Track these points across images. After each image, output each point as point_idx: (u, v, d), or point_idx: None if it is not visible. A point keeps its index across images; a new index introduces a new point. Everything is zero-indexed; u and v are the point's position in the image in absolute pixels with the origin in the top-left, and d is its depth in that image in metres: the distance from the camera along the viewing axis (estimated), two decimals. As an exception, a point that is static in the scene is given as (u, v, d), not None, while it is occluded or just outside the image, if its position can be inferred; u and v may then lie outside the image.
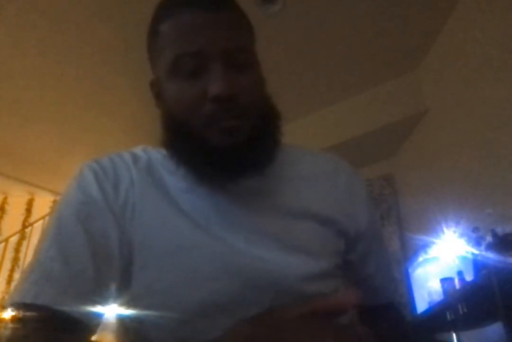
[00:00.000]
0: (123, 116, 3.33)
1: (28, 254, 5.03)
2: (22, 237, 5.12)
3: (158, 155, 0.64)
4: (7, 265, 4.94)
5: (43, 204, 5.33)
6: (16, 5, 2.10)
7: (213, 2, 0.55)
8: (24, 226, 5.18)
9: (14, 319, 0.48)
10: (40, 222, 5.24)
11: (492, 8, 2.14)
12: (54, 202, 5.37)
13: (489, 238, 1.74)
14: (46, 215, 5.28)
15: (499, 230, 1.77)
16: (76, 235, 0.51)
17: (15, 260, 4.98)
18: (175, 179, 0.60)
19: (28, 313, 0.47)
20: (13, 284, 4.87)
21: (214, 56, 0.52)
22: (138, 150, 0.66)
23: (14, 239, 5.07)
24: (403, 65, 2.99)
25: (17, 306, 0.48)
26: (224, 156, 0.53)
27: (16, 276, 4.92)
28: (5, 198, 5.35)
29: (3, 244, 5.01)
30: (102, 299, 0.51)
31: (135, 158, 0.63)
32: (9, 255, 4.98)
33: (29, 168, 4.45)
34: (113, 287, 0.53)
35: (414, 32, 2.67)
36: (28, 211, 5.29)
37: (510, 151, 2.05)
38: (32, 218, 5.26)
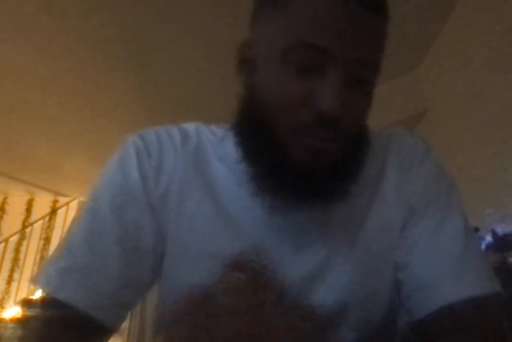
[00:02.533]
0: (123, 116, 3.33)
1: (28, 254, 5.03)
2: (22, 237, 5.12)
3: (211, 136, 0.55)
4: (7, 265, 4.94)
5: (43, 204, 5.33)
6: (16, 6, 2.10)
7: None
8: (24, 226, 5.18)
9: (34, 306, 0.46)
10: (40, 222, 5.25)
11: (492, 8, 2.14)
12: (54, 202, 5.38)
13: (489, 238, 1.74)
14: (46, 215, 5.29)
15: (499, 230, 1.77)
16: (107, 225, 0.47)
17: (15, 260, 4.98)
18: (226, 168, 0.52)
19: (47, 304, 0.45)
20: (13, 284, 4.88)
21: (341, 60, 0.42)
22: (191, 127, 0.56)
23: (14, 239, 5.07)
24: (403, 65, 2.99)
25: (41, 289, 0.46)
26: (298, 176, 0.44)
27: (16, 276, 4.92)
28: (5, 198, 5.35)
29: (3, 244, 5.00)
30: (125, 299, 0.47)
31: (184, 138, 0.54)
32: (9, 255, 4.98)
33: (29, 168, 4.45)
34: (141, 286, 0.49)
35: (414, 32, 2.67)
36: (28, 211, 5.29)
37: (510, 151, 2.05)
38: (32, 218, 5.26)
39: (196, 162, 0.52)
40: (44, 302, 0.45)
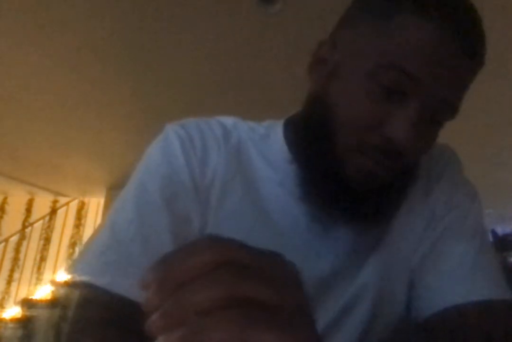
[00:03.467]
0: (122, 116, 3.32)
1: (28, 254, 5.04)
2: (22, 237, 5.12)
3: (251, 133, 0.54)
4: (7, 265, 4.94)
5: (43, 204, 5.33)
6: (15, 6, 2.10)
7: (477, 40, 0.42)
8: (24, 226, 5.18)
9: (80, 299, 0.42)
10: (40, 222, 5.25)
11: (487, 7, 2.14)
12: (54, 202, 5.38)
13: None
14: (46, 215, 5.29)
15: (499, 230, 1.78)
16: (160, 217, 0.45)
17: (15, 260, 4.98)
18: (269, 168, 0.51)
19: (98, 299, 0.41)
20: (13, 284, 4.88)
21: (426, 94, 0.41)
22: (229, 122, 0.55)
23: (14, 239, 5.08)
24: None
25: (85, 283, 0.42)
26: (345, 192, 0.45)
27: (16, 276, 4.93)
28: (5, 198, 5.35)
29: (3, 244, 5.01)
30: None
31: (226, 134, 0.53)
32: (9, 255, 4.98)
33: (29, 168, 4.45)
34: None
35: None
36: (28, 211, 5.29)
37: (510, 151, 2.05)
38: (32, 218, 5.26)
39: (238, 160, 0.51)
40: (93, 296, 0.42)
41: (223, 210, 0.49)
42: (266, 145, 0.53)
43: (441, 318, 0.45)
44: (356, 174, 0.44)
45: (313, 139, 0.47)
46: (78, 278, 0.42)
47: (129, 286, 0.40)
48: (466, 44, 0.41)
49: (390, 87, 0.41)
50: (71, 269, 0.43)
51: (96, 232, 0.46)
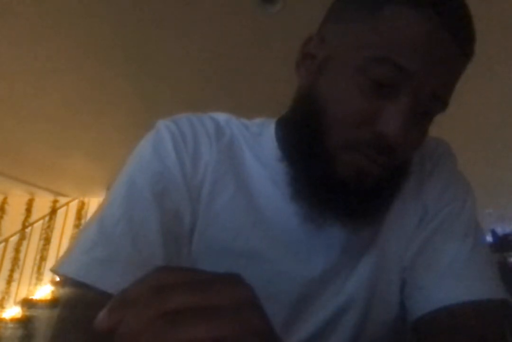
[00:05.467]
0: (122, 115, 3.32)
1: (28, 254, 5.04)
2: (22, 237, 5.12)
3: (244, 131, 0.53)
4: (7, 265, 4.94)
5: (43, 204, 5.33)
6: (14, 5, 2.10)
7: (467, 30, 0.42)
8: (24, 226, 5.18)
9: (66, 297, 0.41)
10: (40, 222, 5.25)
11: (485, 6, 2.14)
12: (54, 202, 5.38)
13: (489, 238, 1.75)
14: (46, 215, 5.29)
15: (499, 230, 1.78)
16: (149, 213, 0.44)
17: (15, 260, 4.98)
18: (261, 166, 0.50)
19: (84, 296, 0.40)
20: (13, 284, 4.88)
21: (418, 87, 0.40)
22: (222, 118, 0.54)
23: (14, 239, 5.07)
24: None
25: (71, 281, 0.41)
26: (337, 189, 0.44)
27: (16, 276, 4.92)
28: (5, 198, 5.35)
29: (3, 244, 5.00)
30: None
31: (218, 131, 0.52)
32: (9, 255, 4.98)
33: (29, 168, 4.45)
34: None
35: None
36: (28, 211, 5.29)
37: (510, 151, 2.05)
38: (32, 218, 5.26)
39: (230, 157, 0.50)
40: (79, 294, 0.40)
41: (214, 206, 0.48)
42: (258, 143, 0.52)
43: (432, 319, 0.44)
44: (348, 171, 0.43)
45: (302, 136, 0.46)
46: (65, 275, 0.41)
47: (116, 283, 0.38)
48: (457, 36, 0.40)
49: (381, 81, 0.40)
50: (58, 265, 0.42)
51: (84, 228, 0.45)
